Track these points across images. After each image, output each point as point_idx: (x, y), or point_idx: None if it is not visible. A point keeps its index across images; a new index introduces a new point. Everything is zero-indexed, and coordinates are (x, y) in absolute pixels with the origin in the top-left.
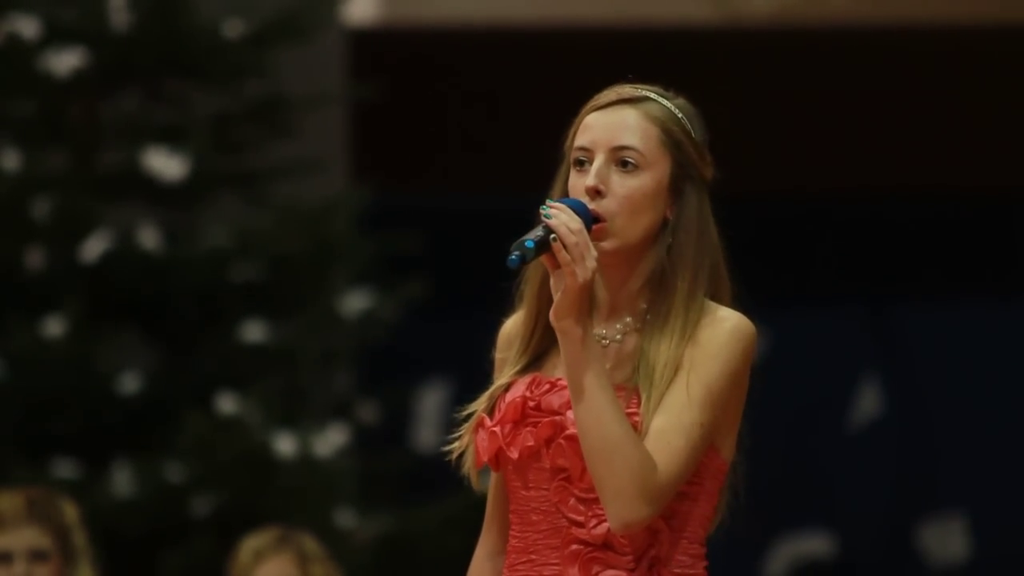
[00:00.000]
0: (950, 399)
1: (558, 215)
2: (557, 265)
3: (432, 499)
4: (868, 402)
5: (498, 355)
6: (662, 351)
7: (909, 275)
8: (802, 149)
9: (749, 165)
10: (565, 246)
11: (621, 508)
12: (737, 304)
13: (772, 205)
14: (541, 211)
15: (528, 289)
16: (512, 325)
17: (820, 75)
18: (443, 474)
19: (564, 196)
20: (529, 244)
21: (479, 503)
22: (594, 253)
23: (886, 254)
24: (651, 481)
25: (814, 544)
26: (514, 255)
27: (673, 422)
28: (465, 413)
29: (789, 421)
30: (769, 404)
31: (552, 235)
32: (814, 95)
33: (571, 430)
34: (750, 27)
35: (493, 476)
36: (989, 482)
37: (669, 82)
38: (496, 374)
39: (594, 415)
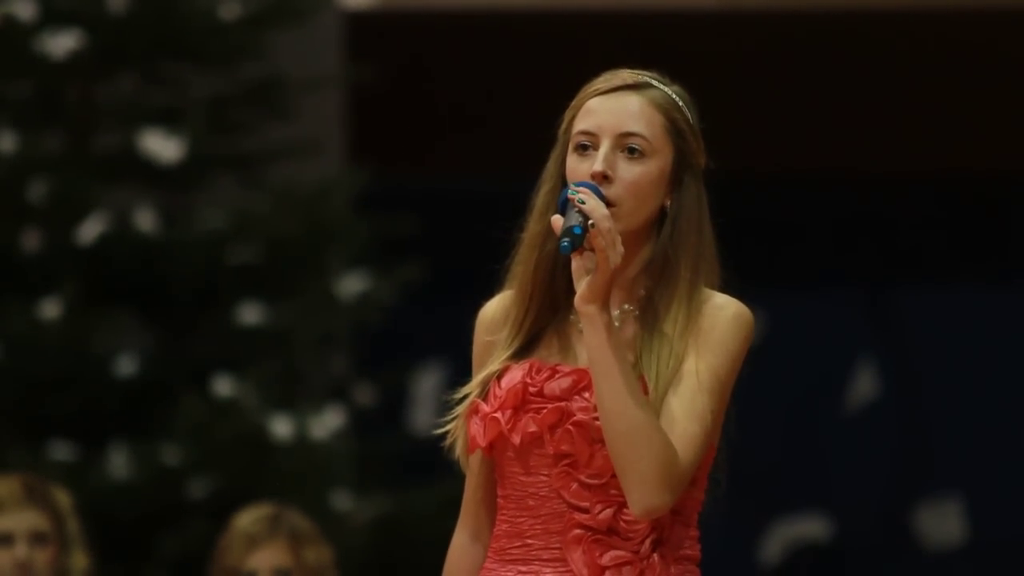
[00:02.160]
0: (947, 382)
1: (589, 199)
2: (581, 251)
3: (429, 481)
4: (864, 385)
5: (485, 337)
6: (666, 338)
7: (906, 258)
8: (800, 132)
9: (747, 148)
10: (600, 231)
11: (646, 495)
12: (726, 290)
13: (770, 188)
14: (570, 195)
15: (522, 271)
16: (497, 307)
17: (818, 59)
18: (439, 456)
19: (559, 180)
20: (577, 230)
21: None
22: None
23: (883, 237)
24: (674, 468)
25: (810, 527)
26: (565, 242)
27: (687, 409)
28: (457, 397)
29: (786, 404)
30: (766, 387)
31: (590, 220)
32: (813, 79)
33: (578, 416)
34: (751, 11)
35: (474, 462)
36: (985, 465)
37: (669, 67)
38: (479, 357)
39: (620, 401)
